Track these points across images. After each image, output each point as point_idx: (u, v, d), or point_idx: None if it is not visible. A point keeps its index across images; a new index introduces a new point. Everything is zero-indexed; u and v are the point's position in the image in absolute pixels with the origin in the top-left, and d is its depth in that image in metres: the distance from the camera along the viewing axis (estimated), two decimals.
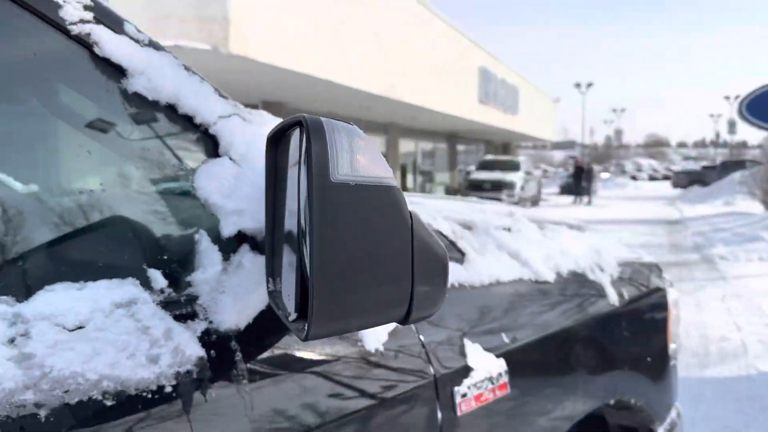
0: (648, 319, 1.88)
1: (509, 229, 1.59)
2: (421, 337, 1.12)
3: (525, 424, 1.31)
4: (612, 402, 1.62)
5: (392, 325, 1.08)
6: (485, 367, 1.21)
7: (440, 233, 1.37)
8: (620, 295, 1.71)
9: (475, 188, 20.85)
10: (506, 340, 1.29)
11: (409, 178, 22.35)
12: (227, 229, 0.90)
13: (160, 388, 0.76)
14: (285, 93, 12.41)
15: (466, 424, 1.15)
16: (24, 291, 0.74)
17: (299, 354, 0.93)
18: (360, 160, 0.64)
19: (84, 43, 0.83)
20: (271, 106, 13.51)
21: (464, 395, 1.15)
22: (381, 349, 1.04)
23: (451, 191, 25.16)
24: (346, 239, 0.64)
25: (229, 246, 0.90)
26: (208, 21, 7.92)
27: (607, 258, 1.78)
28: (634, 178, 47.28)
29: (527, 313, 1.39)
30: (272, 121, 1.05)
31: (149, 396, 0.74)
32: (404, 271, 0.68)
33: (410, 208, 0.71)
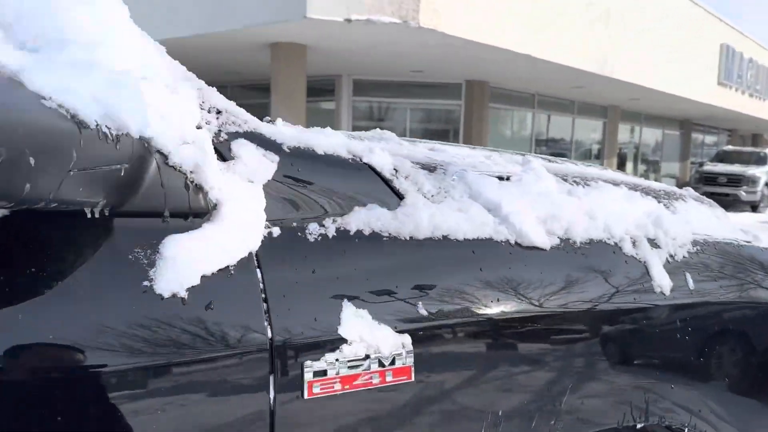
0: (733, 321, 1.33)
1: (507, 178, 1.21)
2: (265, 289, 0.85)
3: (442, 426, 0.96)
4: (647, 426, 1.16)
5: (206, 264, 0.82)
6: (371, 341, 0.89)
7: (371, 168, 1.06)
8: (680, 282, 1.22)
9: (709, 182, 18.54)
10: (424, 312, 0.95)
11: (628, 167, 20.51)
12: None
13: None
14: (485, 70, 12.02)
15: (318, 411, 0.86)
16: None
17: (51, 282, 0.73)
18: None
19: None
20: (473, 86, 13.23)
21: (322, 373, 0.86)
22: (183, 294, 0.79)
23: (681, 185, 22.63)
24: None
25: None
26: None
27: (673, 232, 1.28)
28: None
29: (480, 283, 1.02)
30: None
31: None
32: None
33: None
